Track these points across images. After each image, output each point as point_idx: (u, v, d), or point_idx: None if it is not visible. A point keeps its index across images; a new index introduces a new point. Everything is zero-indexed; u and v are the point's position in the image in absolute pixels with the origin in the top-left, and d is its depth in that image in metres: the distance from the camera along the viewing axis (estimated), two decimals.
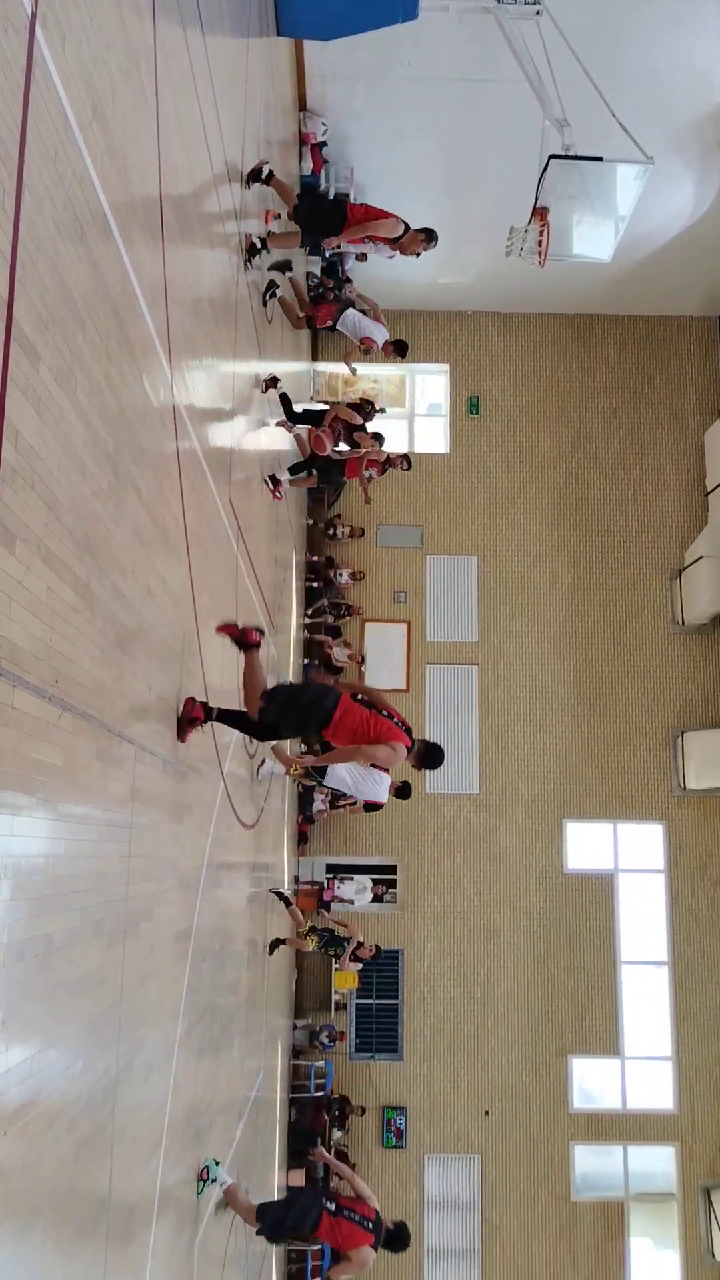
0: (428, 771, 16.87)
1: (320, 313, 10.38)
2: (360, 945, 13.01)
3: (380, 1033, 15.90)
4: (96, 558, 3.38)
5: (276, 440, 10.06)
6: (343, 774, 9.98)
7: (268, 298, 8.87)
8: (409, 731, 5.58)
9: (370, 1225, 6.94)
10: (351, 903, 15.90)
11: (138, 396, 4.00)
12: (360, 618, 17.53)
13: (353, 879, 16.09)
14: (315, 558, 17.06)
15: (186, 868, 5.33)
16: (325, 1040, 15.61)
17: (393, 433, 18.47)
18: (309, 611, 16.69)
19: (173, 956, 4.83)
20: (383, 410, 10.46)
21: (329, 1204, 7.02)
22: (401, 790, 10.44)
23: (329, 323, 10.36)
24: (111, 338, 3.53)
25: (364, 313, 10.71)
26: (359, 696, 5.51)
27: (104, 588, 3.47)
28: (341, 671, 17.00)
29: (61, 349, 2.95)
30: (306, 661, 16.38)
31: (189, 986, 5.33)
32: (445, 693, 17.41)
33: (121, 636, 3.73)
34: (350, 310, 10.58)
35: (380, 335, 10.53)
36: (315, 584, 16.95)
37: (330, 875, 16.22)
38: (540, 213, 9.49)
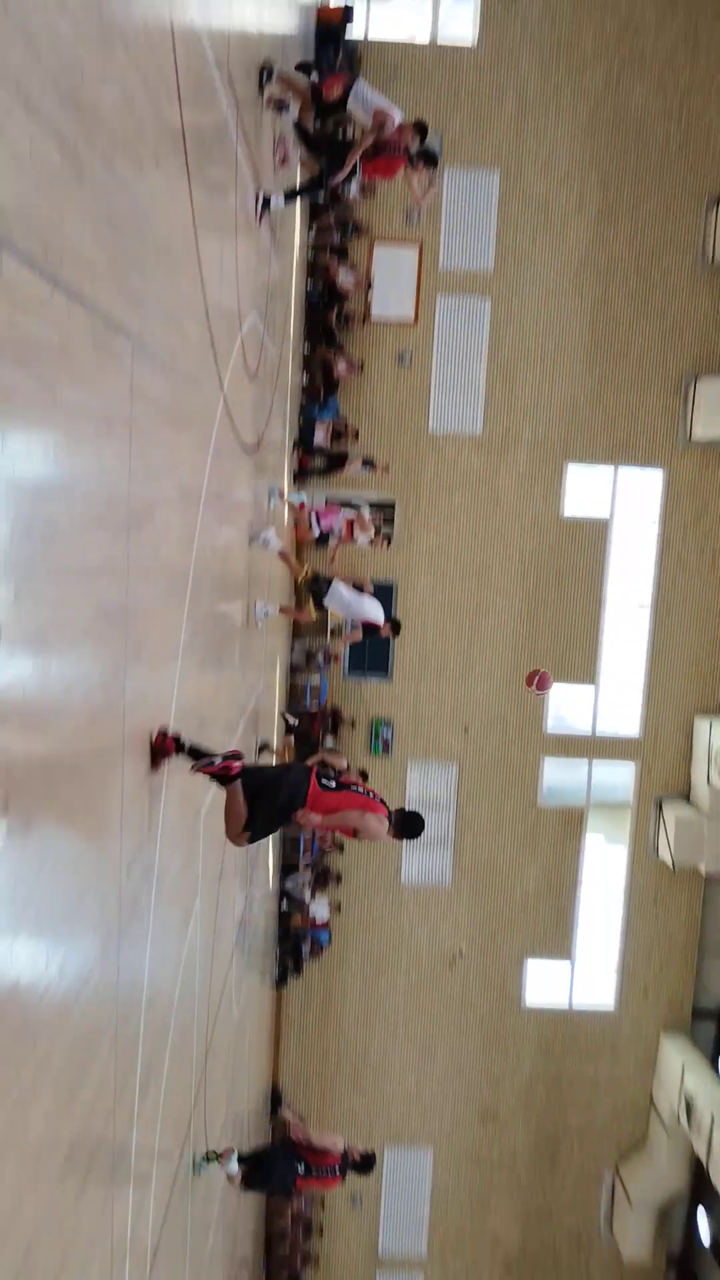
0: (432, 415, 16.75)
1: (330, 83, 8.68)
2: (373, 538, 12.85)
3: (372, 655, 16.89)
4: (83, 121, 3.03)
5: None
6: (343, 594, 10.63)
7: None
8: (384, 804, 5.58)
9: (338, 1169, 9.02)
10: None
11: None
12: (368, 238, 16.38)
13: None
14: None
15: (187, 481, 5.33)
16: (321, 660, 16.63)
17: (413, 13, 16.26)
18: (313, 228, 15.55)
19: (176, 551, 4.96)
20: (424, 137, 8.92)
21: (300, 1166, 8.99)
22: (394, 627, 11.02)
23: (339, 95, 8.66)
24: None
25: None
26: (326, 781, 5.41)
27: (92, 155, 3.15)
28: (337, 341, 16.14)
29: None
30: (308, 351, 15.50)
31: (190, 596, 5.53)
32: (455, 326, 16.67)
33: (113, 215, 3.45)
34: (359, 81, 8.79)
35: (396, 112, 8.70)
36: (319, 201, 15.62)
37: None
38: None
